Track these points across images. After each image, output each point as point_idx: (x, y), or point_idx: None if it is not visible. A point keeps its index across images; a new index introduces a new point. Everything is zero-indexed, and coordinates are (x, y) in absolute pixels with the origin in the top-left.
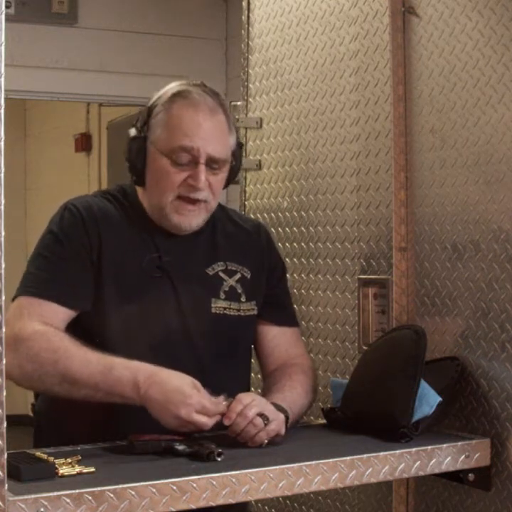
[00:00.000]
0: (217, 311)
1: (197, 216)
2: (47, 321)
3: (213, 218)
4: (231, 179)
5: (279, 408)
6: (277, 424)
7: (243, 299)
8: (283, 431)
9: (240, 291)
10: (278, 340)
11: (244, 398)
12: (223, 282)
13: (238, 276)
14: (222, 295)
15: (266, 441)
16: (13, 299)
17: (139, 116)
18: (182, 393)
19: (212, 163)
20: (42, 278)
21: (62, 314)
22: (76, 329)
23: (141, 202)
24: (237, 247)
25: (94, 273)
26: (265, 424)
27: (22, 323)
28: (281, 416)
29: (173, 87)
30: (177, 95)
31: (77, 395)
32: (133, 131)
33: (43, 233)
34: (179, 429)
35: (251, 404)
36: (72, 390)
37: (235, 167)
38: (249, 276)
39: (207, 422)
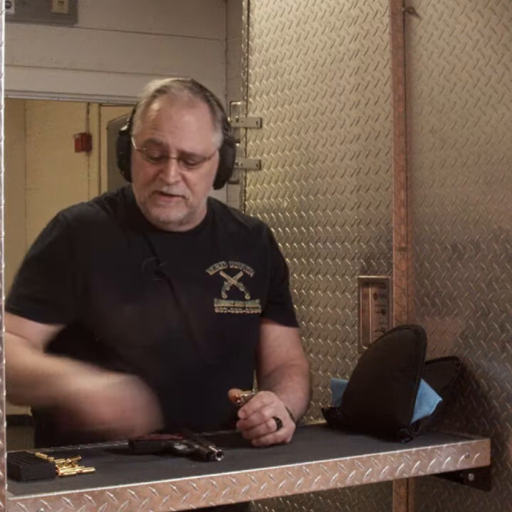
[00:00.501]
0: (221, 311)
1: (175, 209)
2: (20, 335)
3: (214, 217)
4: (223, 178)
5: (291, 416)
6: (287, 432)
7: (247, 296)
8: (289, 440)
9: (242, 289)
10: (281, 340)
11: (265, 397)
12: (224, 282)
13: (240, 274)
14: (224, 295)
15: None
16: None
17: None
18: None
19: (186, 158)
20: (20, 294)
21: (35, 329)
22: (77, 332)
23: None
24: (240, 245)
25: (81, 283)
26: (277, 429)
27: None
28: (293, 425)
29: (155, 83)
30: (157, 91)
31: (26, 395)
32: (123, 128)
33: (33, 244)
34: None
35: (270, 404)
36: (20, 391)
37: (225, 165)
38: (252, 275)
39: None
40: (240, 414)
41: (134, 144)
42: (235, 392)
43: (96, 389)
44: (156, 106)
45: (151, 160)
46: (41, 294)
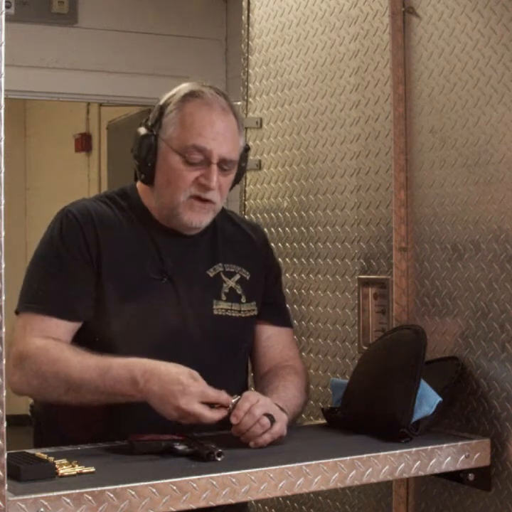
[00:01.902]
0: (219, 313)
1: (206, 214)
2: (49, 336)
3: (214, 219)
4: (237, 181)
5: (281, 409)
6: (281, 425)
7: (243, 299)
8: (285, 432)
9: (239, 292)
10: (273, 340)
11: (251, 397)
12: (223, 284)
13: (237, 277)
14: (223, 296)
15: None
16: (16, 312)
17: (150, 115)
18: (180, 383)
19: (223, 164)
20: (42, 293)
21: (64, 327)
22: (79, 331)
23: (144, 202)
24: (236, 247)
25: (94, 279)
26: (271, 425)
27: (25, 340)
28: (285, 417)
29: (185, 86)
30: (190, 95)
31: (85, 401)
32: (143, 130)
33: (42, 241)
34: (181, 421)
35: (258, 403)
36: (78, 397)
37: (241, 169)
38: (248, 277)
39: (208, 414)
40: (232, 420)
41: (166, 148)
42: None
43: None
44: (193, 111)
45: (192, 165)
46: (70, 291)
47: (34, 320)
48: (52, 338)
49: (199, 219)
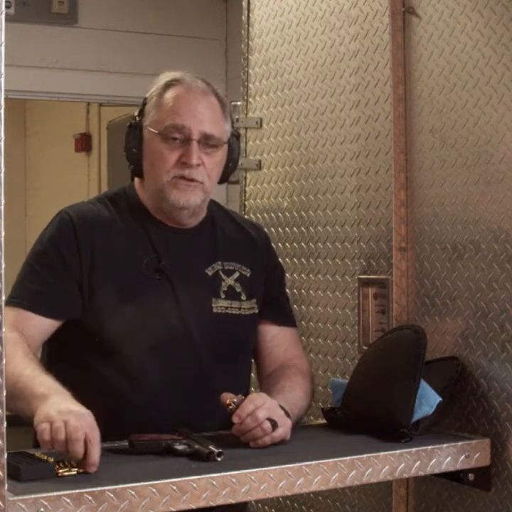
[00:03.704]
0: (219, 311)
1: (193, 194)
2: (20, 329)
3: (213, 218)
4: (229, 170)
5: (286, 413)
6: (284, 430)
7: (243, 297)
8: (288, 437)
9: (239, 290)
10: (278, 340)
11: (257, 399)
12: (222, 282)
13: (237, 275)
14: (223, 295)
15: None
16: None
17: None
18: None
19: (205, 140)
20: (24, 289)
21: (40, 323)
22: (77, 331)
23: (141, 199)
24: (236, 246)
25: (85, 280)
26: (272, 429)
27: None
28: (289, 422)
29: (167, 75)
30: (170, 81)
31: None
32: (130, 123)
33: (36, 241)
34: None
35: (262, 406)
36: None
37: (233, 158)
38: (248, 275)
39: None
40: (234, 419)
41: (148, 133)
42: (226, 398)
43: (50, 415)
44: (172, 94)
45: (172, 145)
46: (51, 289)
47: (11, 314)
48: (20, 333)
49: (186, 198)
